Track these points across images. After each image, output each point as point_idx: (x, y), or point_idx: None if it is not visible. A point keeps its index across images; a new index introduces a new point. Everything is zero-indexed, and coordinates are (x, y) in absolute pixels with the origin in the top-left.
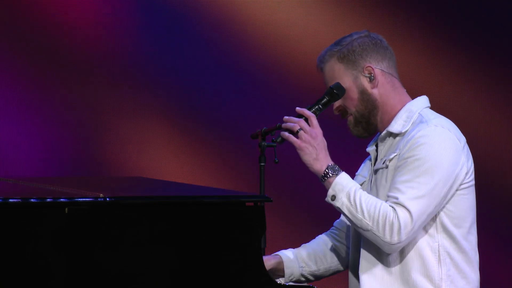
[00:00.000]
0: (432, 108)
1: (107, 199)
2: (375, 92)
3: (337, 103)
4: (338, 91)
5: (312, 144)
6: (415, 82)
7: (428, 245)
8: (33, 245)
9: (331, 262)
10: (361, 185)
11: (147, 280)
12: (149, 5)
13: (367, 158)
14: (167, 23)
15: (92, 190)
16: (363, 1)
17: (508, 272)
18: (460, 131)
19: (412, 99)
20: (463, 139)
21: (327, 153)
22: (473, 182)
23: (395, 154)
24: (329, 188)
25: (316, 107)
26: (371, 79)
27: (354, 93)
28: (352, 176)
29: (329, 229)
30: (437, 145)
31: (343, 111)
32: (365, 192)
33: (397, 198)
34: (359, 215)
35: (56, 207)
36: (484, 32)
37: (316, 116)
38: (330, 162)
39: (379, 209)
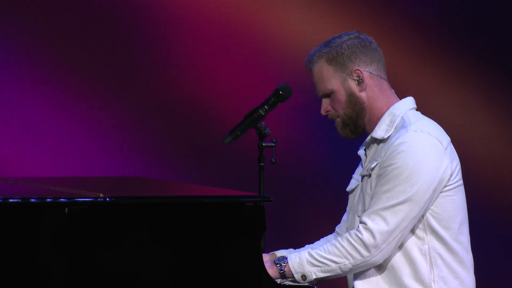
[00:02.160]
0: (431, 109)
1: (107, 199)
2: (363, 95)
3: (324, 105)
4: (284, 92)
5: None
6: (414, 83)
7: (418, 249)
8: (33, 245)
9: None
10: (354, 188)
11: (147, 280)
12: (151, 4)
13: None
14: (167, 23)
15: (92, 190)
16: (363, 1)
17: (507, 272)
18: (459, 132)
19: (400, 100)
20: (446, 140)
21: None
22: (460, 182)
23: (377, 162)
24: (293, 275)
25: (263, 107)
26: (359, 82)
27: (342, 96)
28: (349, 179)
29: (332, 233)
30: (415, 151)
31: (331, 112)
32: (317, 248)
33: (371, 208)
34: (333, 265)
35: (56, 207)
36: (483, 33)
37: (264, 116)
38: (271, 260)
39: (340, 243)
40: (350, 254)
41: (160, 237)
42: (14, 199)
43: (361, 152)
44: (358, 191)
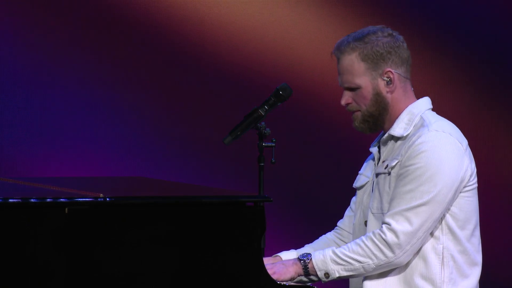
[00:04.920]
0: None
1: (107, 199)
2: (388, 95)
3: (346, 96)
4: (284, 92)
5: (272, 268)
6: (415, 82)
7: (432, 248)
8: (33, 245)
9: None
10: (364, 185)
11: (147, 280)
12: (152, 5)
13: (370, 158)
14: (167, 24)
15: (92, 190)
16: (362, 2)
17: (509, 270)
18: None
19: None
20: (465, 142)
21: (283, 260)
22: (476, 184)
23: (397, 160)
24: (316, 272)
25: (263, 107)
26: (389, 83)
27: (368, 93)
28: (355, 175)
29: (333, 229)
30: (438, 151)
31: (352, 105)
32: (340, 247)
33: (394, 209)
34: (357, 264)
35: (56, 207)
36: (482, 33)
37: (264, 116)
38: (295, 256)
39: (364, 243)
40: (374, 254)
41: (160, 237)
42: (14, 199)
43: (374, 149)
44: (368, 187)
